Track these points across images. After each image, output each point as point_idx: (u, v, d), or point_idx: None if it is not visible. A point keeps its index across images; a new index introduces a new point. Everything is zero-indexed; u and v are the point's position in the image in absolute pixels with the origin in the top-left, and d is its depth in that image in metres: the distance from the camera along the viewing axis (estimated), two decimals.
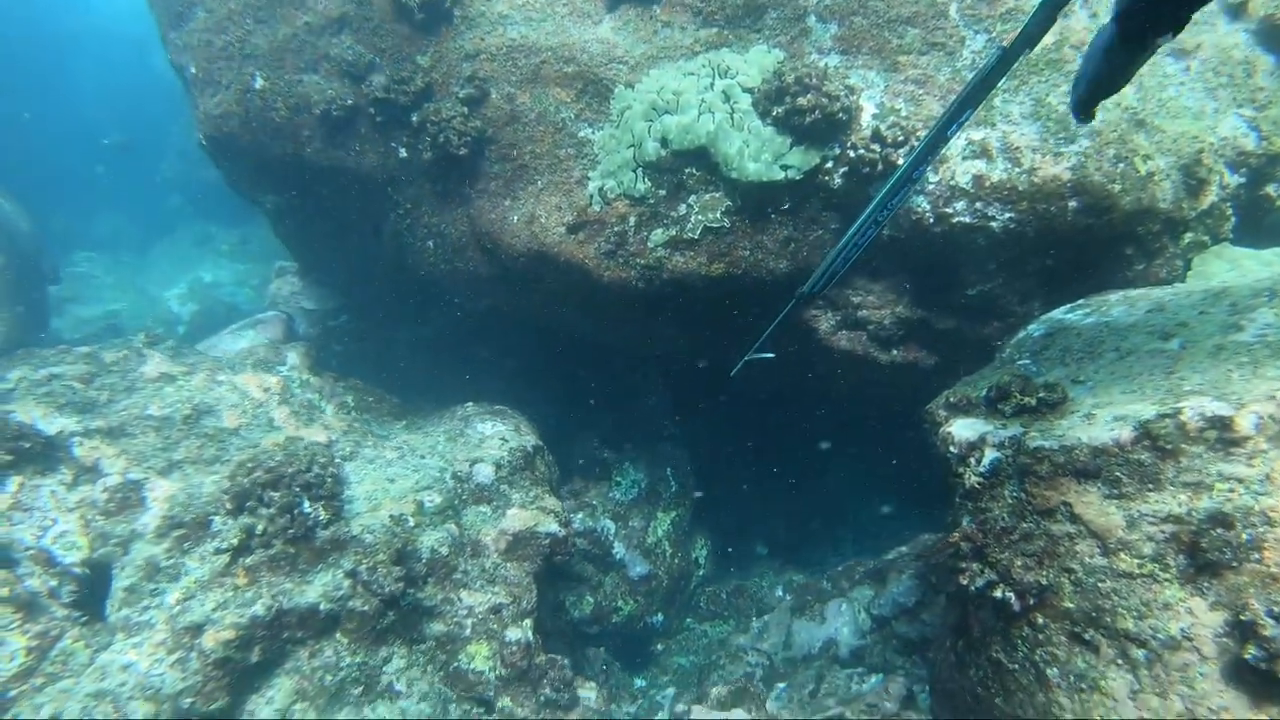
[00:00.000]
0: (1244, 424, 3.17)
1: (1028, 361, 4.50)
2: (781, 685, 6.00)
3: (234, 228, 20.72)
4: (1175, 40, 5.90)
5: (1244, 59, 6.06)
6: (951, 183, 5.26)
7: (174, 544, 4.71)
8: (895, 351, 6.05)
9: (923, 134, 4.82)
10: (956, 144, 5.27)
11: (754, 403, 7.96)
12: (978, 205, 5.26)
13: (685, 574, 7.54)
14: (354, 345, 9.91)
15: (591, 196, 5.65)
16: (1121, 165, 5.12)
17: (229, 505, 4.61)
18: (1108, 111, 5.24)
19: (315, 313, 10.37)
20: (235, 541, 4.42)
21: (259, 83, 6.46)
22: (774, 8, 5.71)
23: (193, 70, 7.12)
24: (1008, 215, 5.21)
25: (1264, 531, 2.97)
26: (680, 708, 4.76)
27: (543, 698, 4.48)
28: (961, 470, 3.81)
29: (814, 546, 8.99)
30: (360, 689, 4.30)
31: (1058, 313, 4.88)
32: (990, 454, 3.68)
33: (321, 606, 4.25)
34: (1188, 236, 5.47)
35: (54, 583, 4.95)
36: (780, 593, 7.95)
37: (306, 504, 4.57)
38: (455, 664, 4.45)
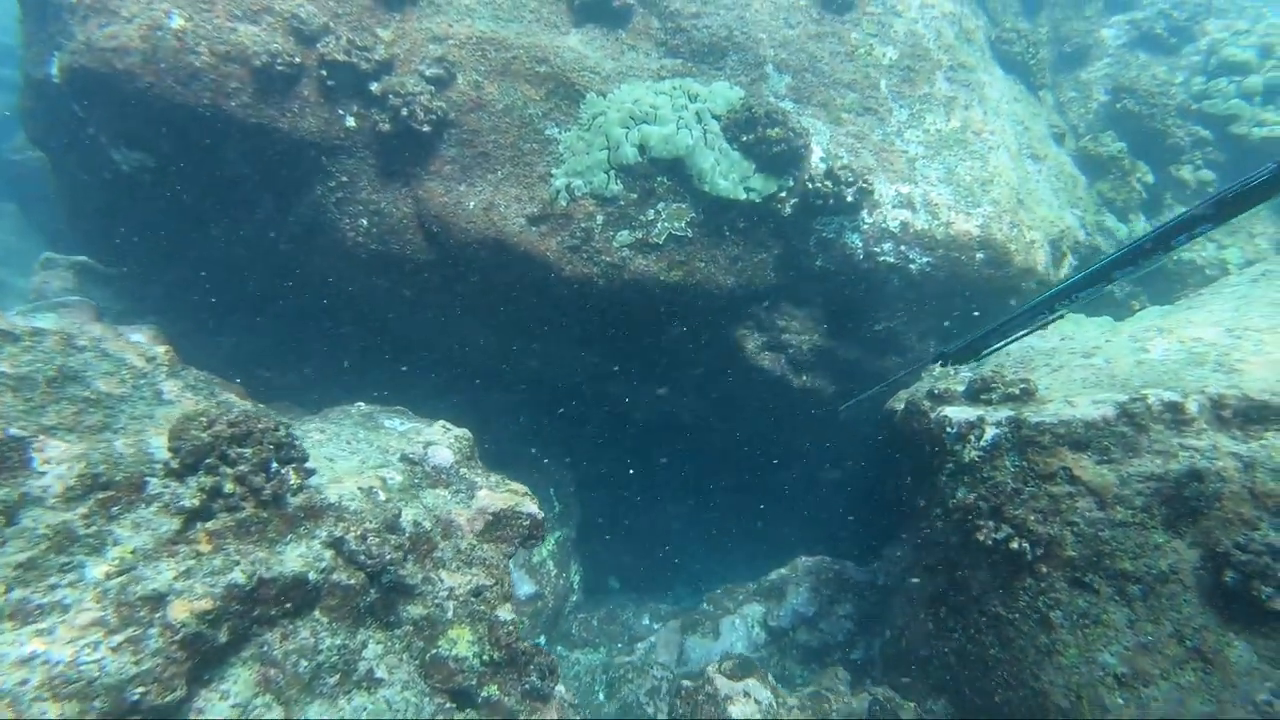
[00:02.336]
0: (1191, 408, 3.94)
1: (968, 374, 5.17)
2: None
3: None
4: (1031, 147, 7.26)
5: (1071, 174, 7.60)
6: (882, 226, 5.99)
7: (96, 508, 3.84)
8: (805, 377, 6.58)
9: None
10: (887, 193, 6.05)
11: (634, 430, 8.10)
12: (902, 248, 6.02)
13: (565, 596, 7.36)
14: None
15: (558, 192, 5.69)
16: (1015, 230, 6.16)
17: (177, 464, 3.88)
18: (1001, 189, 6.31)
19: (106, 313, 8.98)
20: (195, 503, 3.72)
21: (176, 21, 5.81)
22: (735, 51, 6.26)
23: None
24: (926, 259, 6.02)
25: (1220, 486, 3.69)
26: (686, 683, 4.62)
27: (527, 685, 4.16)
28: (959, 447, 4.29)
29: (658, 586, 9.16)
30: (337, 677, 3.74)
31: None
32: (991, 431, 4.19)
33: (310, 576, 3.68)
34: None
35: None
36: (647, 621, 7.96)
37: (275, 465, 3.98)
38: (435, 650, 4.03)
